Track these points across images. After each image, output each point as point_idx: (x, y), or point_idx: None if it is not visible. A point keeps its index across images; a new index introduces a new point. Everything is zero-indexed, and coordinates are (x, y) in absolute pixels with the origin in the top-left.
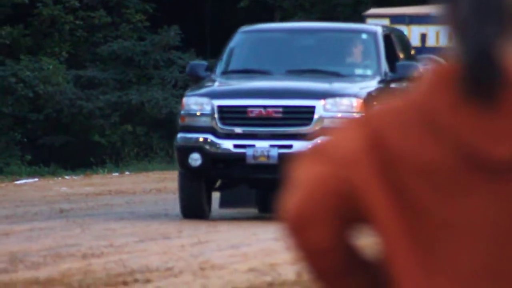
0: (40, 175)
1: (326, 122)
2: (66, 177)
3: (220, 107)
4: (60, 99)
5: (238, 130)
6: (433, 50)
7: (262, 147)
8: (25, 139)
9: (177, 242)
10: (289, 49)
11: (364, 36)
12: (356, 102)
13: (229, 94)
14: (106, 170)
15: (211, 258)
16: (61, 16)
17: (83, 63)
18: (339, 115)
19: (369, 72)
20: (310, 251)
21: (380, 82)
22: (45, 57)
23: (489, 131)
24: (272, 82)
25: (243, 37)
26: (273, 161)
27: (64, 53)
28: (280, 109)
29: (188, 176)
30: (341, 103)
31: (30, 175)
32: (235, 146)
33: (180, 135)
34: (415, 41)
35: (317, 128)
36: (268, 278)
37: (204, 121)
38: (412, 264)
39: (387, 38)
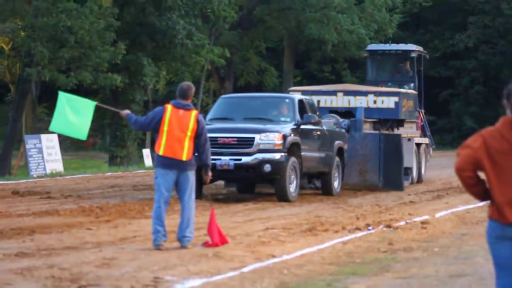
0: None
1: (261, 146)
2: None
3: None
4: None
5: (212, 150)
6: (324, 108)
7: (225, 160)
8: None
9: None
10: (246, 107)
11: (287, 100)
12: (277, 135)
13: (208, 130)
14: None
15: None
16: None
17: None
18: (268, 142)
19: (288, 119)
20: (464, 178)
21: (294, 125)
22: None
23: None
24: (232, 124)
25: (222, 100)
26: (231, 168)
27: None
28: (235, 139)
29: None
30: (269, 135)
31: None
32: (211, 159)
33: None
34: None
35: (255, 149)
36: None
37: None
38: (496, 182)
39: (300, 101)
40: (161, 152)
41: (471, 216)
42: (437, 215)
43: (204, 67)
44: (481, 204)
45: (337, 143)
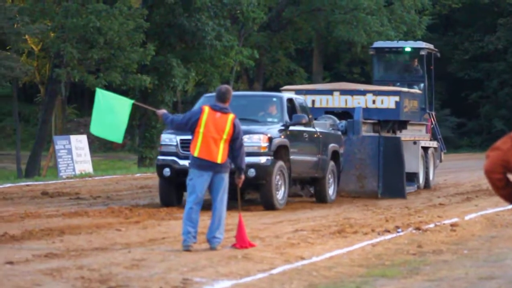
0: None
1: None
2: None
3: (181, 140)
4: None
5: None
6: (319, 109)
7: None
8: None
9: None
10: (230, 106)
11: (274, 99)
12: (262, 137)
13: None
14: None
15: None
16: None
17: None
18: (252, 144)
19: (275, 120)
20: (493, 180)
21: (282, 126)
22: None
23: None
24: None
25: (205, 99)
26: None
27: None
28: None
29: (163, 182)
30: (253, 137)
31: None
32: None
33: (159, 157)
34: (308, 104)
35: None
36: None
37: (172, 148)
38: None
39: (290, 100)
40: (196, 154)
41: (501, 219)
42: (467, 217)
43: (233, 69)
44: (510, 206)
45: (332, 146)
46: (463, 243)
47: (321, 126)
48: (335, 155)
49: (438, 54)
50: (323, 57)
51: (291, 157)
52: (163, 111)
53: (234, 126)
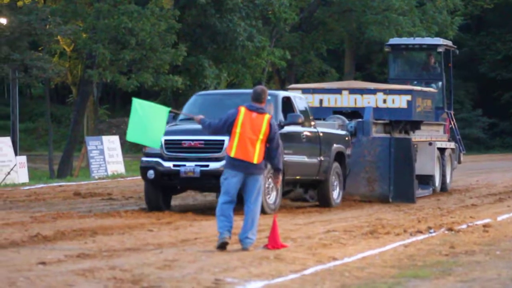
0: None
1: None
2: None
3: (165, 140)
4: None
5: (176, 155)
6: (327, 108)
7: (190, 166)
8: None
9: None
10: (221, 105)
11: (268, 97)
12: None
13: (172, 132)
14: None
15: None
16: None
17: None
18: None
19: None
20: None
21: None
22: None
23: None
24: (199, 125)
25: (196, 98)
26: (197, 175)
27: None
28: (202, 142)
29: (148, 185)
30: None
31: None
32: (174, 165)
33: (143, 158)
34: (316, 103)
35: (224, 154)
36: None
37: (156, 149)
38: None
39: (286, 99)
40: (232, 154)
41: None
42: (499, 218)
43: (265, 69)
44: None
45: (336, 147)
46: (495, 244)
47: (329, 126)
48: (340, 157)
49: (457, 51)
50: (354, 58)
51: (285, 158)
52: (200, 116)
53: (270, 126)
